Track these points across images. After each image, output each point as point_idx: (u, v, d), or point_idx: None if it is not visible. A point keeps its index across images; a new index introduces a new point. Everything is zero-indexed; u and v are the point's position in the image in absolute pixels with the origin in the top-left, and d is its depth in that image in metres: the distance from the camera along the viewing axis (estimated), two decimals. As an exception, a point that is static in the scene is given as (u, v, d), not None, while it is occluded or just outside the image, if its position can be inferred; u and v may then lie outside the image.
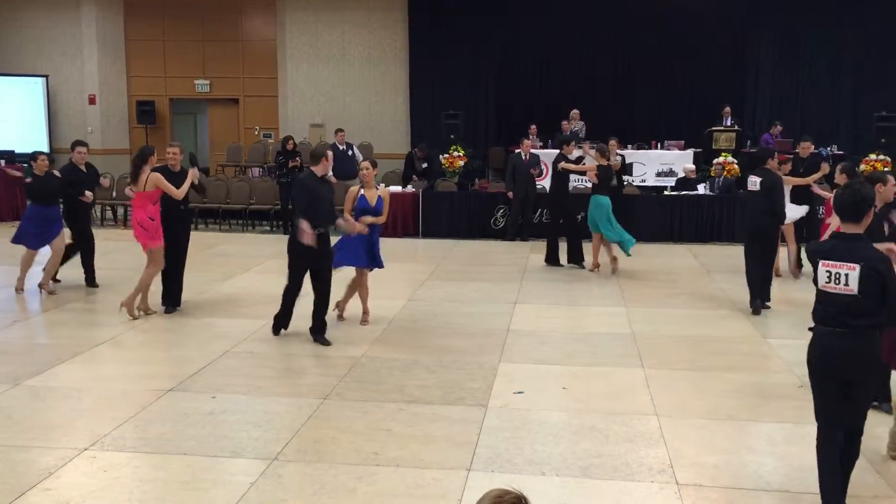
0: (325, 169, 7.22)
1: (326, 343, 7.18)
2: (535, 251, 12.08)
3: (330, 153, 7.35)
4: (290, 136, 14.96)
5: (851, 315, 3.95)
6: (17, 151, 16.44)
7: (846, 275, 3.94)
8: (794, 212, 9.89)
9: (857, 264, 3.91)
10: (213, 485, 4.49)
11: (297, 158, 14.21)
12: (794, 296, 8.97)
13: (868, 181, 5.12)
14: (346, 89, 18.62)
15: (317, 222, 6.96)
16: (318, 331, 7.26)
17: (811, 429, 5.00)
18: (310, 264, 7.13)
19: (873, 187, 4.77)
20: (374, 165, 7.89)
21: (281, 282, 9.52)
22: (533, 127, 15.86)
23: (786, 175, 9.49)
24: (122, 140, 19.46)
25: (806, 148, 10.86)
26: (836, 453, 4.09)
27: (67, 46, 19.00)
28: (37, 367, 6.47)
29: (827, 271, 4.01)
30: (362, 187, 7.72)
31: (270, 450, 4.91)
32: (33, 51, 19.06)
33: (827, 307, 4.04)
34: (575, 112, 16.22)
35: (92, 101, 19.13)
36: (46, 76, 18.86)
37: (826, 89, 17.28)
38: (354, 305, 8.07)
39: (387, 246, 12.72)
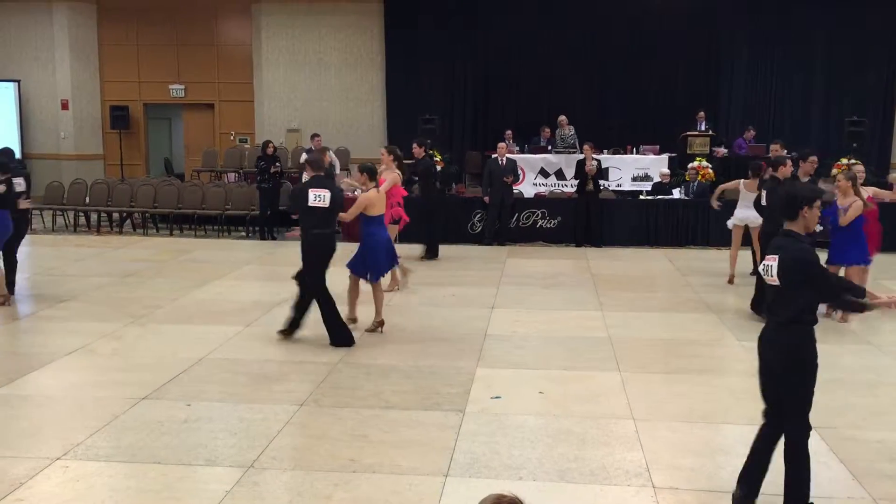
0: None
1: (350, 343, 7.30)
2: (512, 255, 12.12)
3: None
4: (269, 140, 14.82)
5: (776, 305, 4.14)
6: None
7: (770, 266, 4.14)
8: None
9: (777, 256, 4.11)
10: (187, 493, 4.45)
11: (278, 164, 14.08)
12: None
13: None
14: (322, 94, 18.58)
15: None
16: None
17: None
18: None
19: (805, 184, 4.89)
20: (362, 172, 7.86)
21: (257, 288, 9.49)
22: (508, 132, 15.89)
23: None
24: (96, 145, 19.28)
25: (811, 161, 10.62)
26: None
27: (39, 51, 18.78)
28: (7, 375, 6.37)
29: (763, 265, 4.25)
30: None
31: (246, 457, 4.88)
32: (4, 56, 18.82)
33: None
34: (562, 118, 16.15)
35: (65, 106, 18.92)
36: (18, 81, 18.63)
37: (798, 94, 17.51)
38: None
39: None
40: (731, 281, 10.21)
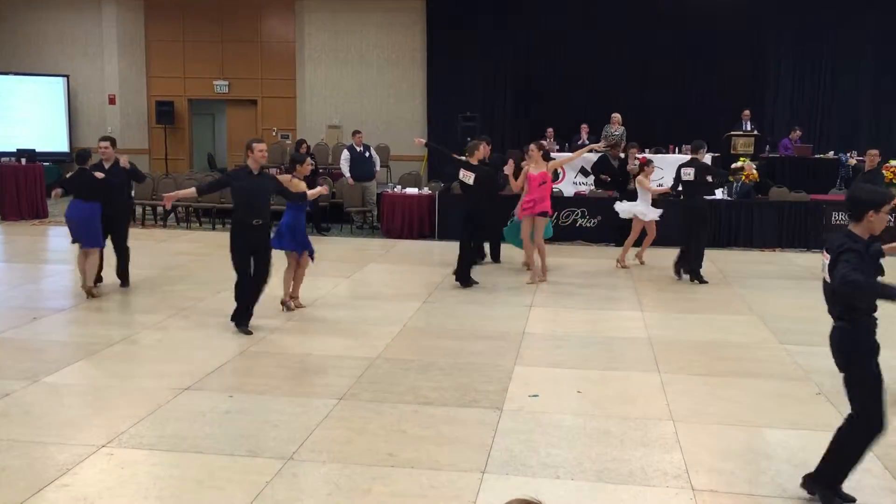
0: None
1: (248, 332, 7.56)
2: (551, 254, 12.03)
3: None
4: (302, 139, 15.02)
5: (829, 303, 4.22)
6: (37, 150, 16.60)
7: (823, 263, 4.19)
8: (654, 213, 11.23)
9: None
10: (228, 483, 4.51)
11: (313, 162, 14.16)
12: (810, 302, 8.89)
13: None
14: (363, 91, 18.69)
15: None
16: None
17: (829, 436, 4.96)
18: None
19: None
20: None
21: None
22: (549, 130, 15.82)
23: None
24: (142, 140, 19.63)
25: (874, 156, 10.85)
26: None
27: (88, 47, 19.19)
28: (55, 364, 6.52)
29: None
30: None
31: (286, 449, 4.93)
32: (55, 51, 19.26)
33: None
34: (616, 116, 15.90)
35: (112, 101, 19.31)
36: (67, 76, 19.05)
37: (847, 93, 17.18)
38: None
39: (403, 248, 12.79)
40: (641, 262, 11.28)
